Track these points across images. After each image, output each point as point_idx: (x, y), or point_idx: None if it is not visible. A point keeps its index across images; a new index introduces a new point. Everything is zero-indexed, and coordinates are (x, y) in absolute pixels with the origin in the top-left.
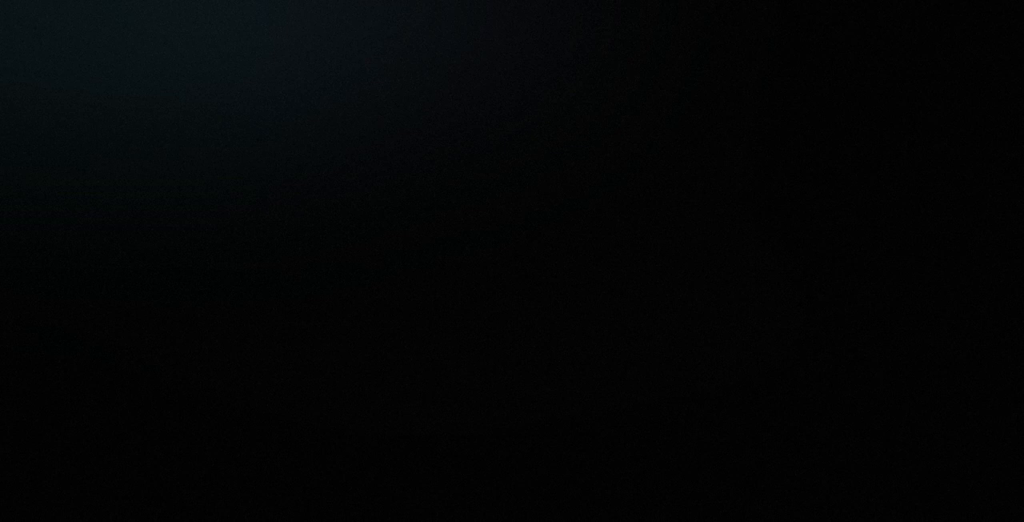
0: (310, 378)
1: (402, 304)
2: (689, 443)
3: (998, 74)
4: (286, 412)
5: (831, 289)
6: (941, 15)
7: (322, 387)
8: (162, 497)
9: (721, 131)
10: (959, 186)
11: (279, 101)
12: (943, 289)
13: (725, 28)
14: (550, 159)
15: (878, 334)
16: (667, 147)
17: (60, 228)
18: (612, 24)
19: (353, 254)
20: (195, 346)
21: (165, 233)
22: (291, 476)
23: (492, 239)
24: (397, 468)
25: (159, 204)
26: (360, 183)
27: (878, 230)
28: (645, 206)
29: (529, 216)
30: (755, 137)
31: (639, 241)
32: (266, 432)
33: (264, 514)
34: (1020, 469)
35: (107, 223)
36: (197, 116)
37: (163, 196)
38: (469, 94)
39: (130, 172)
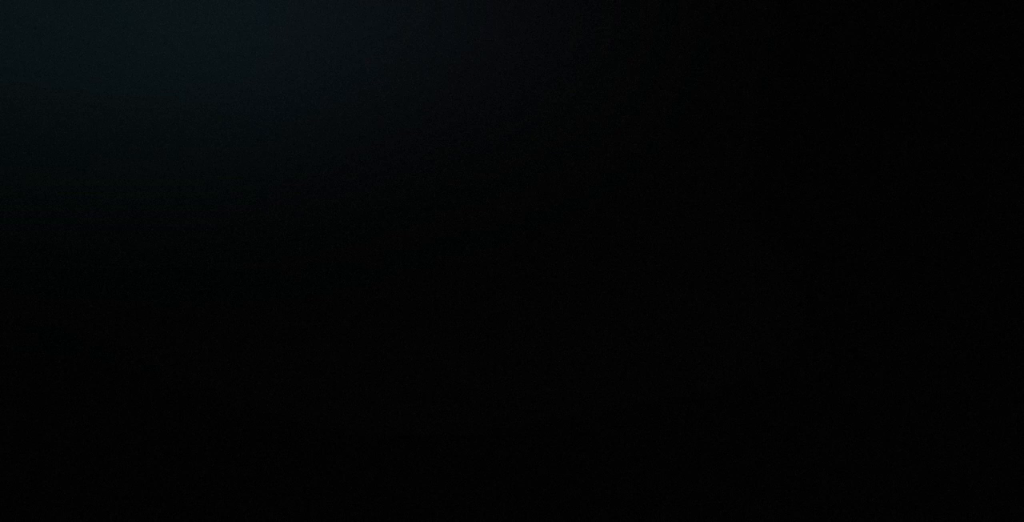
0: (310, 378)
1: (402, 304)
2: (689, 443)
3: (998, 74)
4: (286, 412)
5: (831, 289)
6: (941, 15)
7: (322, 387)
8: (162, 497)
9: (721, 131)
10: (959, 186)
11: (279, 101)
12: (943, 289)
13: (725, 28)
14: (550, 159)
15: (878, 334)
16: (667, 147)
17: (60, 228)
18: (612, 24)
19: (353, 254)
20: (195, 346)
21: (165, 233)
22: (291, 476)
23: (492, 239)
24: (397, 468)
25: (159, 204)
26: (360, 183)
27: (878, 230)
28: (645, 206)
29: (529, 216)
30: (755, 137)
31: (639, 241)
32: (266, 432)
33: (264, 514)
34: (1020, 469)
35: (107, 223)
36: (197, 116)
37: (163, 196)
38: (469, 94)
39: (130, 172)
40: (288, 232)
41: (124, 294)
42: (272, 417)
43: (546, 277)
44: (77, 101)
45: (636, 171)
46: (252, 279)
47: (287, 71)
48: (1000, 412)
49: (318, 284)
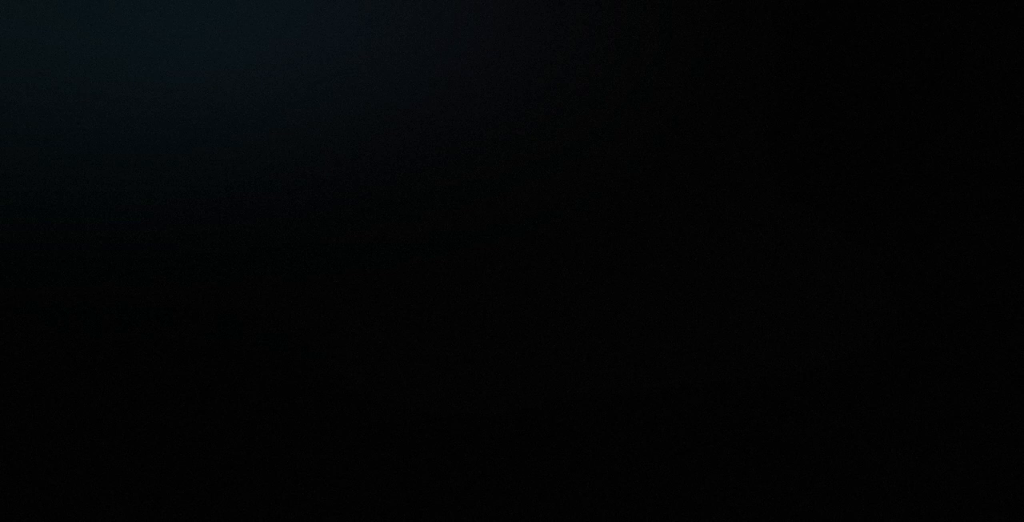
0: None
1: (440, 291)
2: (709, 435)
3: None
4: (308, 398)
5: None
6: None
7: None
8: (162, 495)
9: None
10: None
11: (280, 100)
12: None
13: (730, 27)
14: (575, 150)
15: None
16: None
17: (61, 227)
18: (613, 23)
19: (360, 253)
20: (196, 344)
21: (166, 234)
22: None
23: (521, 233)
24: (409, 450)
25: (161, 204)
26: (362, 183)
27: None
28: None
29: (561, 208)
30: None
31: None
32: (284, 420)
33: (280, 495)
34: None
35: (106, 223)
36: (197, 116)
37: (164, 196)
38: (470, 94)
39: (129, 173)
40: (288, 232)
41: (126, 292)
42: (294, 402)
43: (582, 269)
44: (78, 101)
45: (675, 159)
46: (254, 279)
47: (289, 71)
48: None
49: (325, 278)
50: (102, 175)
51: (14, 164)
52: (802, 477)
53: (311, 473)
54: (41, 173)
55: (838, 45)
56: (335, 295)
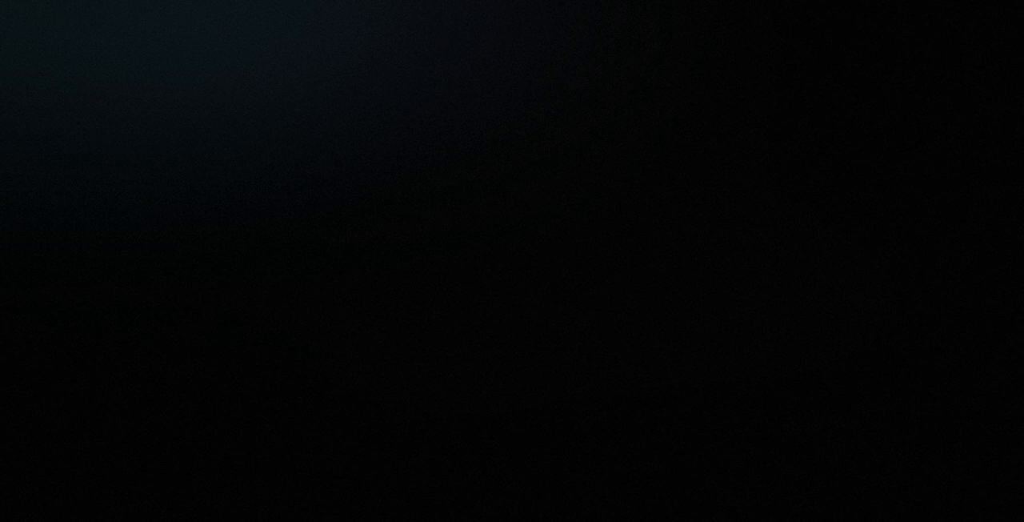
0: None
1: (448, 290)
2: (715, 433)
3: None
4: (310, 397)
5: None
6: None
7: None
8: (164, 492)
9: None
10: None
11: (280, 100)
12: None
13: (730, 27)
14: (577, 149)
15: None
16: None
17: (61, 227)
18: (613, 23)
19: (360, 253)
20: (196, 344)
21: (166, 234)
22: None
23: (523, 233)
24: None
25: (161, 204)
26: (362, 183)
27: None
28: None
29: (564, 208)
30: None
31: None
32: (287, 419)
33: (281, 494)
34: None
35: (106, 223)
36: (197, 116)
37: (164, 196)
38: (470, 94)
39: (129, 173)
40: (289, 233)
41: (126, 291)
42: (296, 401)
43: (586, 269)
44: (78, 101)
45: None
46: (254, 280)
47: (289, 70)
48: None
49: (326, 278)
50: (102, 175)
51: (14, 164)
52: (802, 477)
53: (311, 473)
54: (41, 173)
55: (838, 45)
56: (335, 295)
